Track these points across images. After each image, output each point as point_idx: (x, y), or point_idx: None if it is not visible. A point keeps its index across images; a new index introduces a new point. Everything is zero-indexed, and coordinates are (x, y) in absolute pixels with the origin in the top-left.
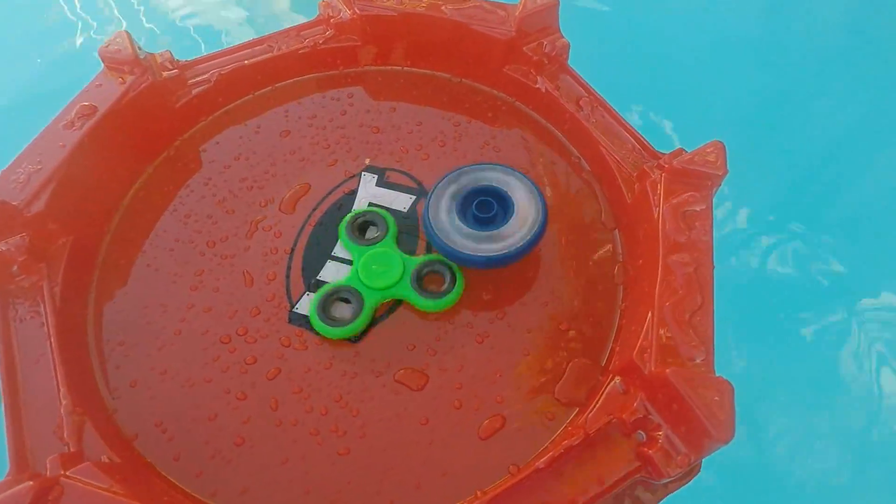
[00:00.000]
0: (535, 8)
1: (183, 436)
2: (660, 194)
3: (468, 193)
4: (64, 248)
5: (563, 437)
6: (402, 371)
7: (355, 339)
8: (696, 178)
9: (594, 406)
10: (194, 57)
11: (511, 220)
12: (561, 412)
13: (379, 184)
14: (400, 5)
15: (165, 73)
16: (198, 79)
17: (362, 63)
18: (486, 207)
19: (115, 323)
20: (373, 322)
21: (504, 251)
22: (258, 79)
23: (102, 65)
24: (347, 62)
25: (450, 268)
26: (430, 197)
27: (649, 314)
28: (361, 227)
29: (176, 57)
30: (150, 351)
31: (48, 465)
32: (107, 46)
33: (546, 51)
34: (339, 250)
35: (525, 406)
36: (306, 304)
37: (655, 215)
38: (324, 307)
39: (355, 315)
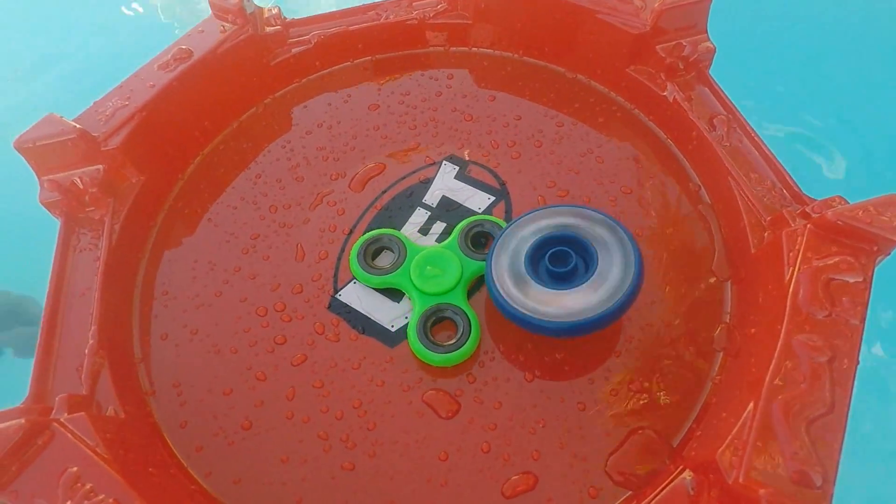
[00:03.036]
0: (680, 1)
1: (195, 404)
2: (798, 250)
3: (544, 240)
4: (135, 187)
5: None
6: (432, 392)
7: (391, 341)
8: (857, 238)
9: (652, 499)
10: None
11: (590, 280)
12: (608, 490)
13: (458, 176)
14: None
15: (268, 28)
16: (299, 38)
17: (471, 43)
18: (562, 260)
19: (164, 271)
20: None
21: (568, 320)
22: (359, 47)
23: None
24: (456, 41)
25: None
26: (499, 238)
27: (751, 404)
28: (375, 252)
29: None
30: (188, 307)
31: (56, 403)
32: None
33: (684, 53)
34: None
35: (565, 470)
36: (351, 293)
37: (787, 276)
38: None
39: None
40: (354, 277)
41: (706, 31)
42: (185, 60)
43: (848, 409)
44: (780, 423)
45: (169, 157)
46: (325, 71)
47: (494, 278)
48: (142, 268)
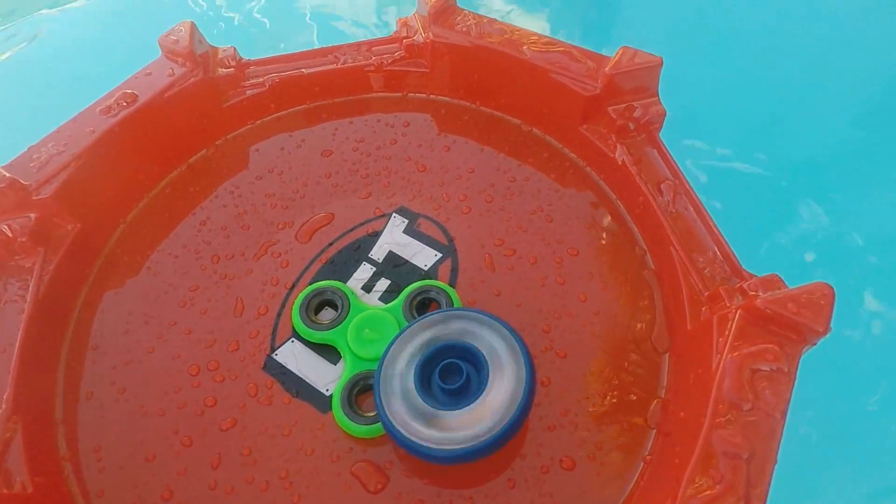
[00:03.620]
0: (632, 66)
1: (115, 471)
2: (728, 335)
3: (434, 352)
4: (69, 234)
5: None
6: (361, 463)
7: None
8: (784, 327)
9: None
10: (259, 58)
11: (483, 398)
12: None
13: (407, 230)
14: (479, 38)
15: (222, 71)
16: (253, 81)
17: (428, 91)
18: (452, 375)
19: (97, 324)
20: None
21: (457, 447)
22: (315, 90)
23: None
24: (413, 87)
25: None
26: (388, 351)
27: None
28: (319, 306)
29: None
30: (118, 364)
31: None
32: (167, 35)
33: (636, 115)
34: None
35: None
36: (287, 352)
37: (714, 364)
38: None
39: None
40: (294, 331)
41: (657, 95)
42: (129, 105)
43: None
44: None
45: (109, 204)
46: (280, 113)
47: (384, 403)
48: (73, 320)
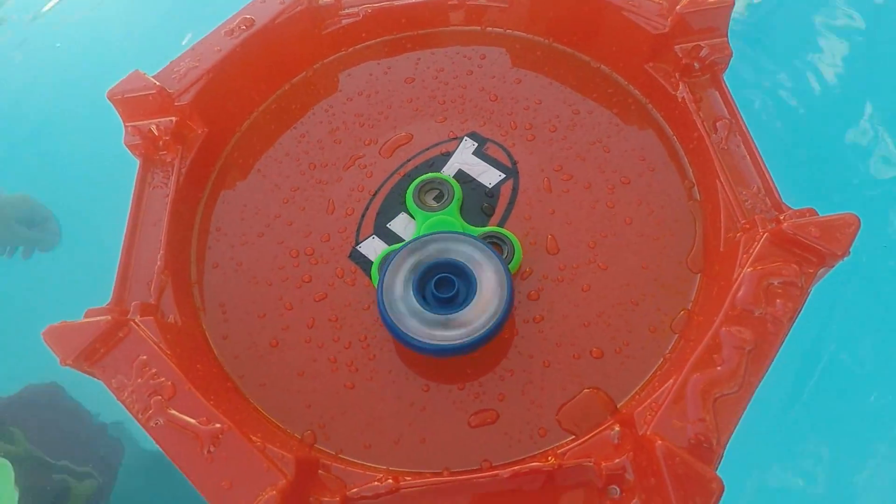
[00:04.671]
0: (702, 5)
1: (235, 322)
2: (751, 254)
3: (428, 268)
4: (200, 137)
5: (544, 458)
6: None
7: None
8: (804, 250)
9: (582, 442)
10: None
11: (472, 304)
12: (554, 433)
13: (476, 153)
14: None
15: (322, 0)
16: (349, 11)
17: (506, 26)
18: (445, 286)
19: (219, 211)
20: None
21: (458, 341)
22: (402, 21)
23: None
24: (492, 22)
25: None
26: (387, 268)
27: (673, 377)
28: (428, 193)
29: None
30: (235, 243)
31: (132, 307)
32: None
33: (701, 55)
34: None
35: (522, 413)
36: (369, 246)
37: (735, 275)
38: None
39: None
40: (405, 207)
41: (726, 36)
42: (248, 28)
43: (752, 393)
44: (692, 395)
45: (229, 114)
46: (370, 42)
47: (388, 309)
48: (201, 206)
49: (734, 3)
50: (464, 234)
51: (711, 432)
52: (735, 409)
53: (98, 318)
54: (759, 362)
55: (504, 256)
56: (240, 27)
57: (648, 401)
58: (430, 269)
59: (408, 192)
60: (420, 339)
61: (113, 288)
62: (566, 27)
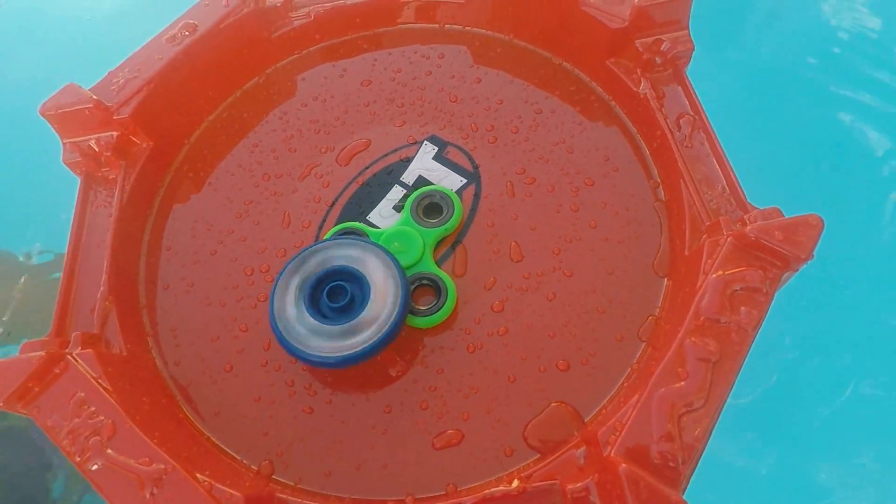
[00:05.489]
0: None
1: (187, 346)
2: (715, 260)
3: (317, 280)
4: (144, 151)
5: (510, 479)
6: (386, 353)
7: None
8: (768, 253)
9: (547, 463)
10: None
11: (370, 305)
12: (521, 452)
13: (436, 157)
14: None
15: (269, 1)
16: (299, 12)
17: (465, 23)
18: (338, 295)
19: (169, 229)
20: None
21: (359, 348)
22: (356, 21)
23: None
24: (450, 19)
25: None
26: (276, 287)
27: (636, 395)
28: (427, 208)
29: None
30: (187, 262)
31: (72, 339)
32: None
33: (663, 49)
34: (374, 216)
35: (488, 432)
36: None
37: (699, 283)
38: None
39: None
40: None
41: (687, 28)
42: (190, 34)
43: (721, 406)
44: (657, 411)
45: (175, 125)
46: (324, 43)
47: (283, 331)
48: (149, 224)
49: None
50: (343, 237)
51: (677, 451)
52: (701, 425)
53: (31, 353)
54: (725, 374)
55: (437, 303)
56: (182, 33)
57: (612, 419)
58: (318, 282)
59: (406, 206)
60: (326, 354)
61: (53, 317)
62: (526, 22)
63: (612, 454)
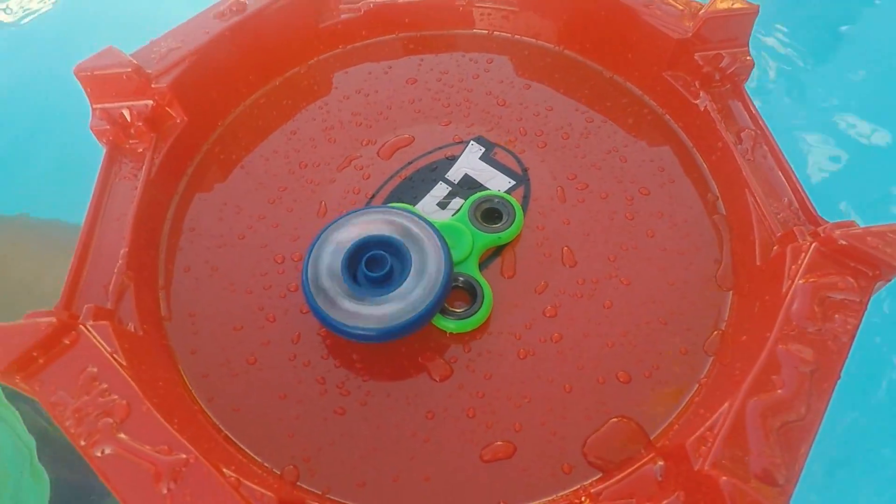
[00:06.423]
0: (726, 11)
1: (206, 334)
2: (800, 265)
3: (356, 247)
4: (178, 126)
5: (570, 499)
6: (428, 354)
7: None
8: (860, 261)
9: (619, 480)
10: None
11: (408, 280)
12: (581, 469)
13: (483, 157)
14: None
15: None
16: (349, 5)
17: (515, 31)
18: (377, 264)
19: (194, 209)
20: None
21: (390, 325)
22: (405, 21)
23: None
24: (500, 26)
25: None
26: (311, 251)
27: (727, 402)
28: (486, 213)
29: None
30: (211, 245)
31: (83, 311)
32: None
33: (722, 65)
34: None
35: (543, 446)
36: None
37: (784, 288)
38: None
39: None
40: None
41: (748, 45)
42: (239, 13)
43: (821, 420)
44: (753, 422)
45: (212, 103)
46: (370, 40)
47: (315, 297)
48: (174, 203)
49: (758, 11)
50: (392, 207)
51: (779, 467)
52: (803, 438)
53: (39, 319)
54: (824, 384)
55: (471, 308)
56: (231, 10)
57: (702, 429)
58: (357, 248)
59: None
60: (355, 324)
61: (62, 290)
62: (578, 33)
63: (706, 467)
